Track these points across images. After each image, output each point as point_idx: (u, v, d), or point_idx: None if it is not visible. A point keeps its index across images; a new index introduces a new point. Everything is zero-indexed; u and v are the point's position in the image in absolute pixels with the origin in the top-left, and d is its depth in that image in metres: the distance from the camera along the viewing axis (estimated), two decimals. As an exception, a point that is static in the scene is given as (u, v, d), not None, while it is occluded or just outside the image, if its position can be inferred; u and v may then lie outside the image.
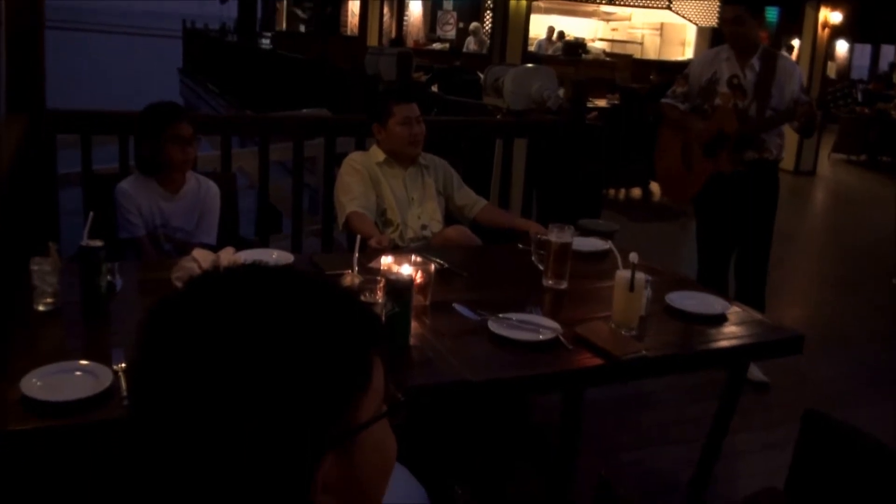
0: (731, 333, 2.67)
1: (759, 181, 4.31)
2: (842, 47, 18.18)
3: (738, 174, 4.25)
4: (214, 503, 0.80)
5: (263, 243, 4.33)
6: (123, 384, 1.90)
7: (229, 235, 3.71)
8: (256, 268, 0.90)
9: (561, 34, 17.43)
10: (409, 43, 19.13)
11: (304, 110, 8.80)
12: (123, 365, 1.97)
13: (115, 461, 0.86)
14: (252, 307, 0.84)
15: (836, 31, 11.76)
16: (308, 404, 0.82)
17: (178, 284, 2.45)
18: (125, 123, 4.09)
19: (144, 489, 0.83)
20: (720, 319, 2.71)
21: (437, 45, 18.80)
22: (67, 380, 1.91)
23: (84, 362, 1.99)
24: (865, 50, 20.80)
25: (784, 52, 4.53)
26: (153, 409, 0.81)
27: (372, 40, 18.47)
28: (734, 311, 2.80)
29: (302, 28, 23.69)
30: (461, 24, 19.41)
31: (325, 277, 0.93)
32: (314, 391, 0.83)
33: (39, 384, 1.87)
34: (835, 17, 11.30)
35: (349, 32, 21.56)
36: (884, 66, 19.82)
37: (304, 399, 0.82)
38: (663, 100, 4.60)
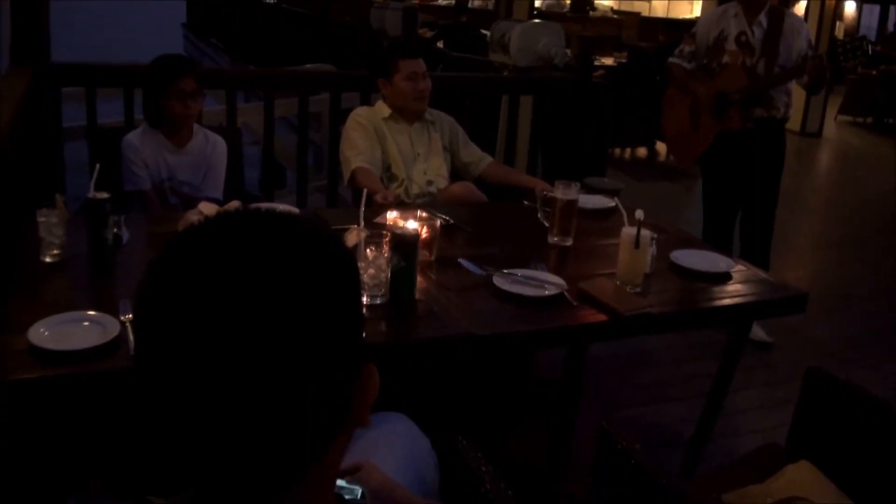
0: (735, 291, 2.67)
1: (766, 139, 4.29)
2: (850, 7, 17.99)
3: (745, 132, 4.24)
4: (260, 443, 0.80)
5: (268, 199, 4.33)
6: (131, 335, 1.91)
7: (235, 190, 3.71)
8: (253, 209, 0.89)
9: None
10: (415, -2, 18.95)
11: (308, 66, 8.74)
12: (131, 316, 1.98)
13: (138, 404, 0.84)
14: (273, 241, 0.83)
15: (846, -9, 11.64)
16: (342, 326, 0.84)
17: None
18: (130, 76, 4.08)
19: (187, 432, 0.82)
20: (724, 278, 2.72)
21: (442, 1, 18.62)
22: (75, 330, 1.93)
23: (92, 313, 2.00)
24: (874, 10, 20.55)
25: (791, 10, 4.48)
26: (202, 351, 0.78)
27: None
28: (739, 269, 2.81)
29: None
30: (467, -21, 19.19)
31: (305, 219, 0.92)
32: (345, 313, 0.84)
33: (47, 334, 1.88)
34: (844, -24, 11.19)
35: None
36: (892, 26, 19.62)
37: (339, 322, 0.83)
38: (670, 59, 4.57)
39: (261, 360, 0.77)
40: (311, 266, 0.84)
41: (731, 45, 4.24)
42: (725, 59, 4.25)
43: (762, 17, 4.19)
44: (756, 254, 4.28)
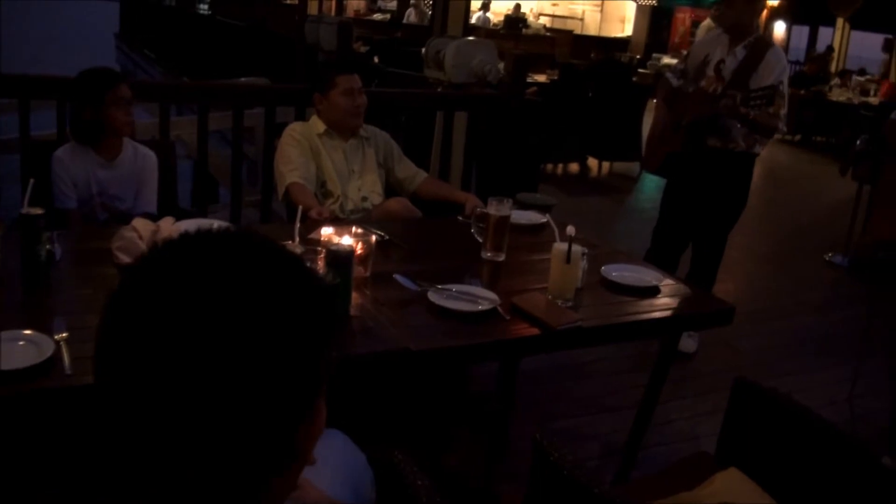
0: (663, 305, 2.74)
1: (721, 171, 4.30)
2: (779, 29, 18.34)
3: (702, 160, 4.28)
4: (202, 471, 0.83)
5: (201, 214, 4.30)
6: (65, 353, 1.90)
7: (167, 205, 3.68)
8: (214, 232, 0.90)
9: (486, 6, 17.66)
10: (350, 13, 18.95)
11: (243, 79, 8.69)
12: (65, 334, 1.97)
13: (85, 428, 0.87)
14: (230, 272, 0.85)
15: (775, 13, 11.86)
16: (298, 361, 0.85)
17: (119, 255, 2.44)
18: (65, 88, 4.02)
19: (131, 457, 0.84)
20: (653, 291, 2.79)
21: (377, 16, 18.67)
22: (9, 349, 1.90)
23: (27, 332, 1.98)
24: (803, 32, 20.96)
25: (778, 47, 4.42)
26: (142, 386, 0.81)
27: (312, 9, 18.26)
28: (667, 283, 2.87)
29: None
30: (402, -5, 19.26)
31: (273, 242, 0.93)
32: (303, 347, 0.86)
33: (-21, 353, 1.86)
34: (773, -3, 11.44)
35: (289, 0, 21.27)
36: (821, 47, 20.03)
37: (295, 357, 0.85)
38: (665, 72, 4.67)
39: (210, 389, 0.80)
40: (295, 284, 0.87)
41: (710, 71, 4.26)
42: (703, 83, 4.26)
43: (740, 48, 4.17)
44: (702, 275, 4.35)
